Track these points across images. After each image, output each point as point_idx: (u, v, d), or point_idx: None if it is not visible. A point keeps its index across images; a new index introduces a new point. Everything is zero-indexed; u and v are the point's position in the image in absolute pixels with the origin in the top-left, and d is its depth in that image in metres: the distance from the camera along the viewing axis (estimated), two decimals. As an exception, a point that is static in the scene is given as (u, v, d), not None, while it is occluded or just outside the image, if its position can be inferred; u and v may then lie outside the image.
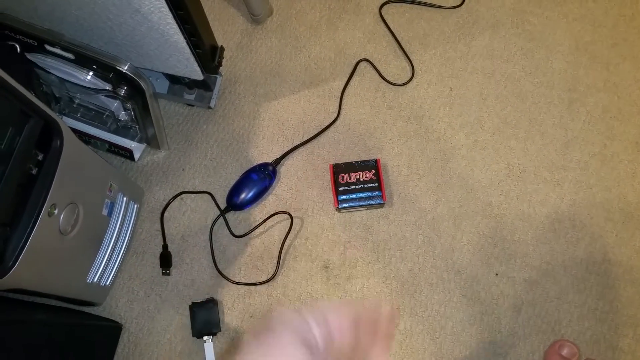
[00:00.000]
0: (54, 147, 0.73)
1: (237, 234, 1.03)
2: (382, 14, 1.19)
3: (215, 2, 1.21)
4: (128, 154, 1.06)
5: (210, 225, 1.03)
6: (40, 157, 0.72)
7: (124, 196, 0.97)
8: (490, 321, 0.97)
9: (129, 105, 0.94)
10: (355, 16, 1.19)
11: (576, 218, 1.02)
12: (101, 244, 0.93)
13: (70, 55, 0.86)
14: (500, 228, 1.02)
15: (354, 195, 1.00)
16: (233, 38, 1.18)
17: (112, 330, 0.98)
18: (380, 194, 1.00)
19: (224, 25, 1.19)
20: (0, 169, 0.66)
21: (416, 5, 1.19)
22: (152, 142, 1.07)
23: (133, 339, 0.99)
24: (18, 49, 0.86)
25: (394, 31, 1.17)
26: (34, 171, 0.71)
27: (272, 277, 1.01)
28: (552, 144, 1.06)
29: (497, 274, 0.99)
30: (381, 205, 1.02)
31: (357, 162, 1.03)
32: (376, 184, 1.01)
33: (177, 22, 0.81)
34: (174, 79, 1.08)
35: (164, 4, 0.76)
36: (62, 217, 0.76)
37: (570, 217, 1.02)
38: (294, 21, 1.20)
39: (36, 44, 0.86)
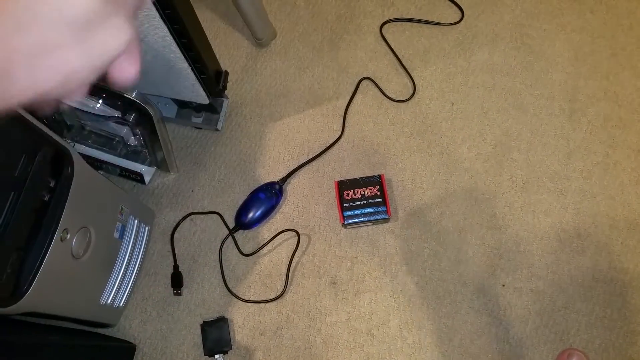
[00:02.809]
0: (65, 174, 0.76)
1: (245, 252, 1.05)
2: (383, 33, 1.21)
3: (221, 28, 1.25)
4: (139, 178, 1.09)
5: (219, 245, 1.06)
6: (52, 184, 0.75)
7: (135, 219, 0.99)
8: (498, 332, 0.97)
9: (137, 130, 0.97)
10: (357, 36, 1.22)
11: (581, 227, 1.02)
12: (113, 266, 0.96)
13: (80, 85, 0.90)
14: (506, 239, 1.03)
15: (360, 211, 1.02)
16: (238, 62, 1.22)
17: (126, 351, 1.00)
18: (385, 209, 1.02)
19: (230, 49, 1.23)
20: (14, 195, 0.68)
21: (416, 23, 1.22)
22: (161, 166, 1.10)
23: (147, 359, 1.01)
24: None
25: (395, 49, 1.19)
26: (46, 197, 0.74)
27: (281, 295, 1.02)
28: (555, 155, 1.08)
29: (503, 285, 1.00)
30: (386, 220, 1.04)
31: (361, 178, 1.04)
32: (381, 199, 1.02)
33: (181, 50, 0.85)
34: (181, 104, 1.11)
35: (168, 34, 0.80)
36: (74, 241, 0.79)
37: (574, 226, 1.02)
38: (297, 43, 1.23)
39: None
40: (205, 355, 0.99)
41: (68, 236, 0.77)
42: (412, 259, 1.03)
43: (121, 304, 1.00)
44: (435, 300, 1.00)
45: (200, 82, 0.94)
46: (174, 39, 0.81)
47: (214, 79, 0.98)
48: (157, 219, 1.09)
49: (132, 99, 0.89)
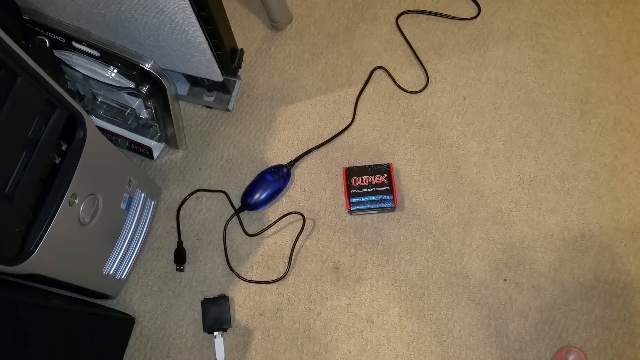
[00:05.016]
0: (77, 138, 0.76)
1: (250, 233, 1.05)
2: (399, 23, 1.21)
3: (237, 8, 1.25)
4: (147, 152, 1.09)
5: (224, 224, 1.06)
6: (64, 148, 0.75)
7: (142, 192, 0.99)
8: (498, 326, 0.97)
9: (150, 103, 0.97)
10: (373, 25, 1.22)
11: (585, 227, 1.02)
12: (118, 237, 0.96)
13: (95, 53, 0.90)
14: (510, 235, 1.03)
15: (366, 198, 1.02)
16: (253, 44, 1.22)
17: (125, 323, 1.01)
18: (392, 197, 1.02)
19: (245, 31, 1.23)
20: (26, 156, 0.68)
21: (432, 16, 1.22)
22: (171, 142, 1.10)
23: (145, 333, 1.01)
24: (47, 44, 0.89)
25: (410, 41, 1.19)
26: (57, 160, 0.74)
27: (283, 276, 1.02)
28: (563, 154, 1.08)
29: (505, 280, 1.00)
30: (392, 209, 1.04)
31: (369, 166, 1.05)
32: (388, 188, 1.03)
33: (199, 23, 0.84)
34: (194, 81, 1.11)
35: (188, 5, 0.79)
36: (82, 207, 0.79)
37: (579, 225, 1.03)
38: (313, 29, 1.23)
39: (64, 40, 0.89)
40: (204, 331, 0.99)
41: (76, 201, 0.77)
42: (416, 249, 1.03)
43: (123, 276, 1.00)
44: (437, 291, 1.00)
45: (215, 58, 0.94)
46: (194, 11, 0.81)
47: (229, 56, 0.98)
48: (163, 195, 1.09)
49: (147, 69, 0.89)
